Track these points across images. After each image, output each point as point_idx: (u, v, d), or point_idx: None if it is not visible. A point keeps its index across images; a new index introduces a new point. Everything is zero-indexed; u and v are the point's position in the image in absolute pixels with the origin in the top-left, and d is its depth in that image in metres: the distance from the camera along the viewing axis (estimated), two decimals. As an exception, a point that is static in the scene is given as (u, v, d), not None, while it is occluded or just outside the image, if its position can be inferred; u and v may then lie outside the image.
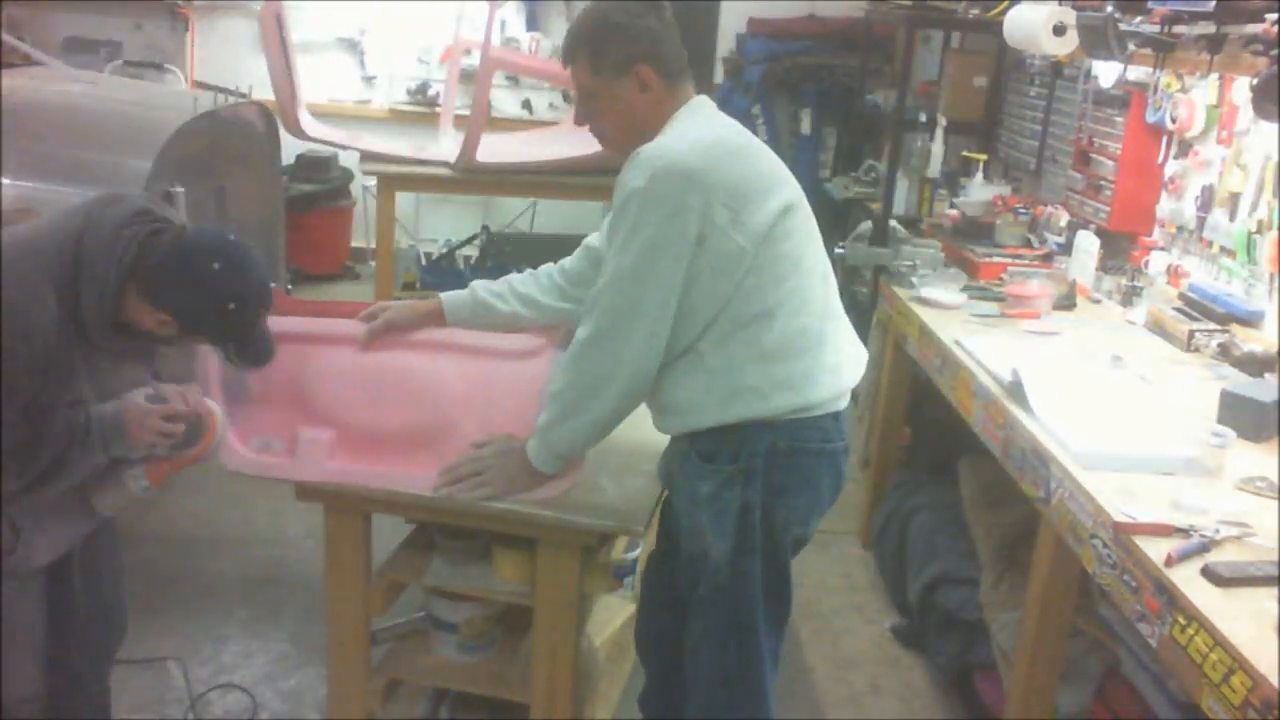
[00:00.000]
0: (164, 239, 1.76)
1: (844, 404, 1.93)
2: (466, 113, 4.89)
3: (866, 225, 3.69)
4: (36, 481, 1.75)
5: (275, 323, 1.96)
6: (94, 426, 1.76)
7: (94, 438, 1.76)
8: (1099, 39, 2.83)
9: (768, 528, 1.88)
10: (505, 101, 5.65)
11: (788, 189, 1.87)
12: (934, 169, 4.33)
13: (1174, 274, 3.07)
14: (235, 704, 2.64)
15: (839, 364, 1.91)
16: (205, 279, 1.75)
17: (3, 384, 1.65)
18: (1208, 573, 1.66)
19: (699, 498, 1.88)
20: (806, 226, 1.90)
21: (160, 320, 1.78)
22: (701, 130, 1.85)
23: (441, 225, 6.00)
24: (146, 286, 1.75)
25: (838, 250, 3.61)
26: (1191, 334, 2.76)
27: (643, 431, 2.24)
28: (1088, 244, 3.29)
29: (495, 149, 4.46)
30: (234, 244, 1.81)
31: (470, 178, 4.47)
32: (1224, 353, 2.68)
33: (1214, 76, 2.82)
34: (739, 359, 1.81)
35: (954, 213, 3.94)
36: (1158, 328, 2.90)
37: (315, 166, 5.69)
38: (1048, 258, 3.53)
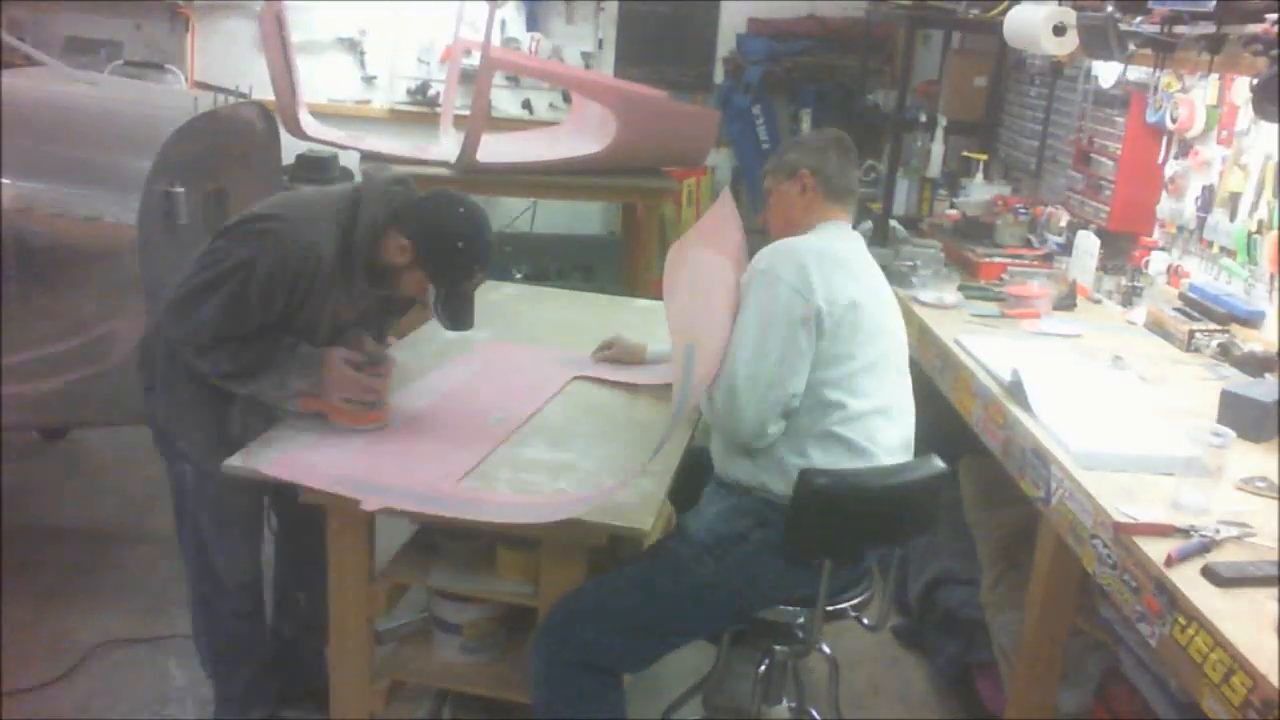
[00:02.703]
0: (421, 194, 2.24)
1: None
2: (466, 113, 4.89)
3: (867, 225, 3.70)
4: (240, 374, 2.12)
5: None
6: (297, 358, 2.13)
7: (293, 363, 2.12)
8: (1099, 39, 2.83)
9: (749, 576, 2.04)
10: (505, 101, 5.64)
11: (856, 286, 2.12)
12: (934, 169, 4.33)
13: (1174, 274, 3.08)
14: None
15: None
16: (446, 217, 2.18)
17: (281, 289, 2.09)
18: (1208, 573, 1.66)
19: (725, 512, 2.06)
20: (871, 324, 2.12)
21: (401, 247, 2.16)
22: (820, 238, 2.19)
23: (442, 225, 5.97)
24: (402, 218, 2.18)
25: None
26: (1191, 334, 2.76)
27: (648, 432, 2.25)
28: (1088, 244, 3.29)
29: (495, 149, 4.45)
30: (479, 208, 2.22)
31: (470, 178, 4.46)
32: (1224, 353, 2.68)
33: (1214, 76, 2.82)
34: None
35: (954, 213, 3.94)
36: (1158, 328, 2.91)
37: (315, 166, 5.67)
38: (1048, 258, 3.53)
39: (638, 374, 2.60)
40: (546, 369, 2.61)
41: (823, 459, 2.00)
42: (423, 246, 2.15)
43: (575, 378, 2.57)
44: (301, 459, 2.06)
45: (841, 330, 2.03)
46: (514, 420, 2.29)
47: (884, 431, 2.07)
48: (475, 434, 2.22)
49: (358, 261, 2.17)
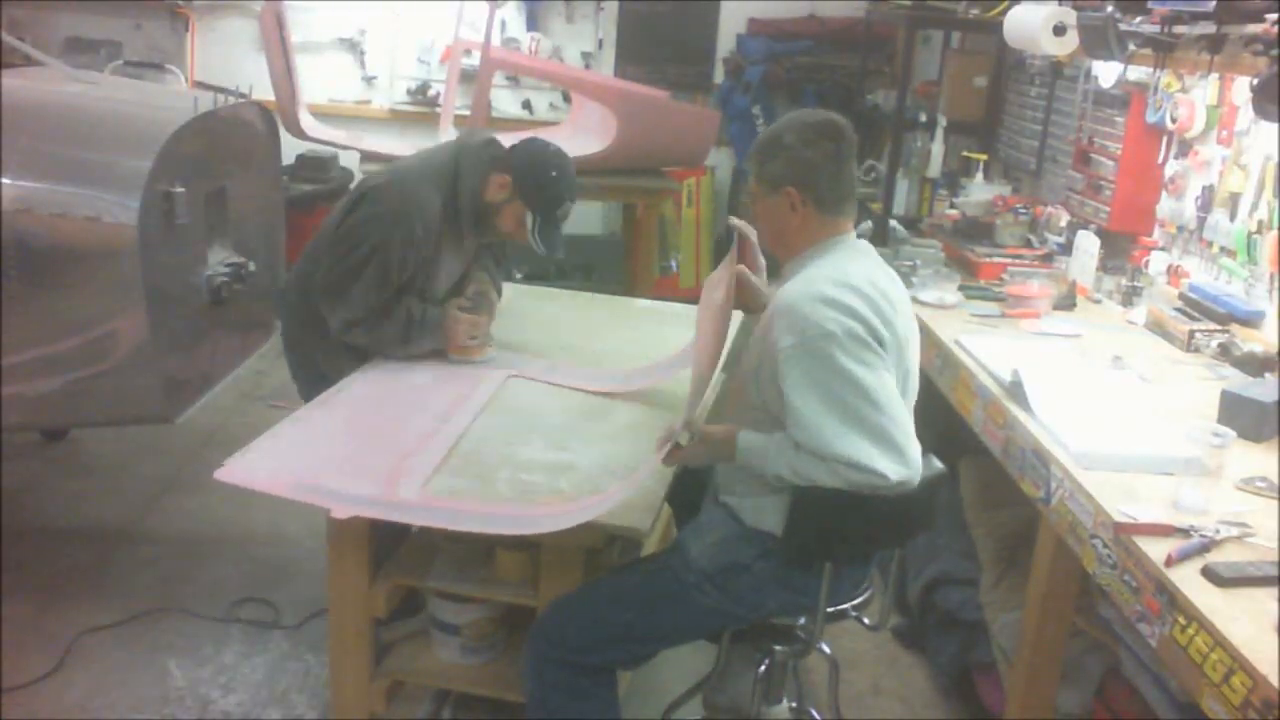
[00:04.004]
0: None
1: None
2: (466, 113, 4.89)
3: (867, 225, 3.70)
4: (380, 343, 2.55)
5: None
6: (425, 325, 2.54)
7: (423, 330, 2.54)
8: (1099, 39, 2.83)
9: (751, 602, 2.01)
10: (505, 101, 5.64)
11: (894, 327, 1.90)
12: (934, 169, 4.33)
13: (1174, 274, 3.08)
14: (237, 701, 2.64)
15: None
16: (539, 154, 2.56)
17: (411, 258, 2.49)
18: (1208, 573, 1.66)
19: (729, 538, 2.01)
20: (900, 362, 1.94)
21: (502, 183, 2.52)
22: (838, 272, 1.90)
23: (441, 225, 5.98)
24: (499, 160, 2.55)
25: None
26: (1191, 334, 2.76)
27: (648, 433, 2.25)
28: (1088, 244, 3.29)
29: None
30: (564, 150, 2.59)
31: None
32: (1224, 353, 2.68)
33: (1214, 76, 2.82)
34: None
35: (954, 213, 3.94)
36: (1158, 328, 2.90)
37: (315, 166, 5.67)
38: (1048, 258, 3.53)
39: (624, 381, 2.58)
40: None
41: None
42: (521, 179, 2.52)
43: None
44: (281, 468, 2.04)
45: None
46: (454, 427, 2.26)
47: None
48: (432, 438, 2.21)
49: (464, 209, 2.54)
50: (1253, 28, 2.41)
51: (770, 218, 2.02)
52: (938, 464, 2.05)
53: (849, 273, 1.90)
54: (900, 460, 1.80)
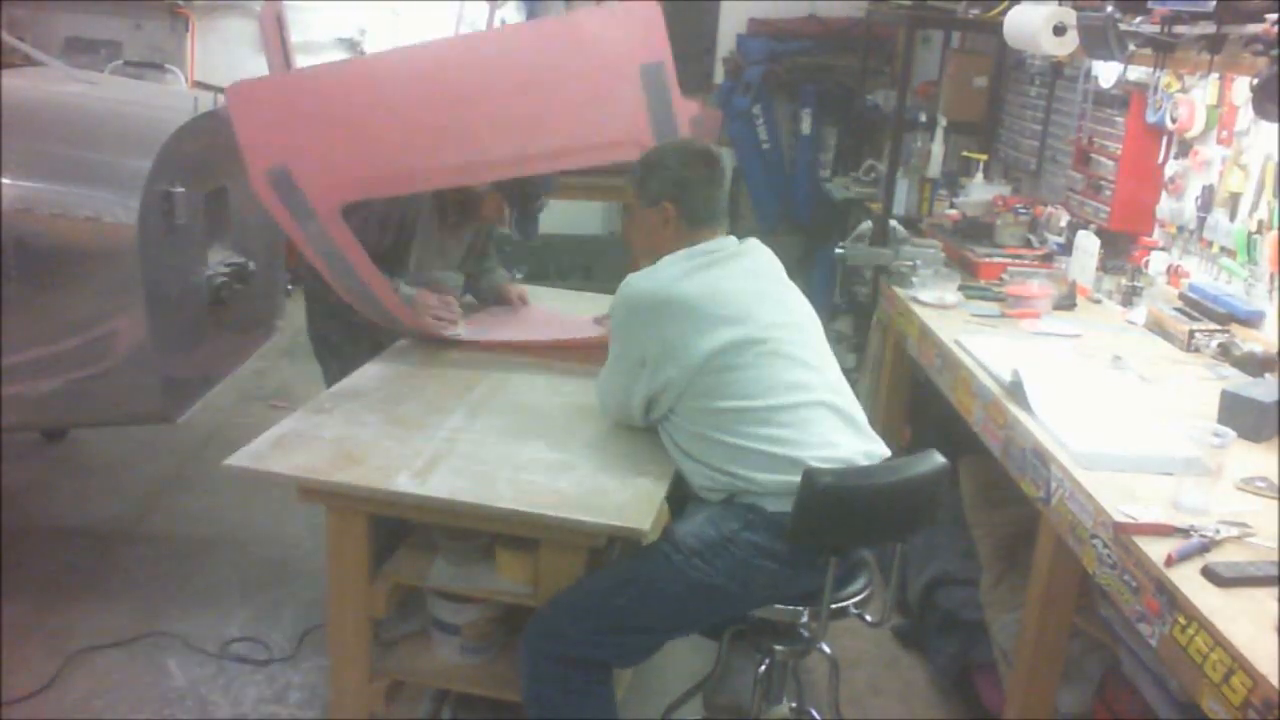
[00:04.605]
0: None
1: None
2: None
3: (866, 225, 3.69)
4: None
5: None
6: (404, 298, 2.70)
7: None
8: (1099, 39, 2.83)
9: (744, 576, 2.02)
10: (505, 101, 5.65)
11: (746, 326, 2.09)
12: (934, 169, 4.33)
13: (1174, 274, 3.08)
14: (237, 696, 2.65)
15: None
16: None
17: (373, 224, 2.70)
18: (1208, 573, 1.66)
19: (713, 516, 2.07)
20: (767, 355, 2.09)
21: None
22: (674, 270, 2.15)
23: (441, 225, 5.98)
24: None
25: (837, 250, 3.62)
26: (1191, 334, 2.76)
27: (647, 432, 2.25)
28: (1088, 244, 3.29)
29: (495, 149, 4.44)
30: None
31: (470, 178, 4.44)
32: (1224, 353, 2.68)
33: (1214, 76, 2.82)
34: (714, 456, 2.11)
35: (954, 213, 3.94)
36: (1158, 328, 2.90)
37: (315, 166, 5.67)
38: (1048, 258, 3.53)
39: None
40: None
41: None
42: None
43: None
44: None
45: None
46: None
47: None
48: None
49: (450, 197, 2.79)
50: (1253, 28, 2.41)
51: (643, 228, 2.27)
52: (939, 458, 2.06)
53: (652, 274, 2.16)
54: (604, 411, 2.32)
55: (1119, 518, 1.84)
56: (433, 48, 2.67)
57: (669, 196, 2.20)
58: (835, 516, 1.97)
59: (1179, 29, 2.69)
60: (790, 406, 2.07)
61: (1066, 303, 3.13)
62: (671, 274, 2.14)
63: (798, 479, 1.94)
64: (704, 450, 2.09)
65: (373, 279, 2.56)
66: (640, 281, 2.16)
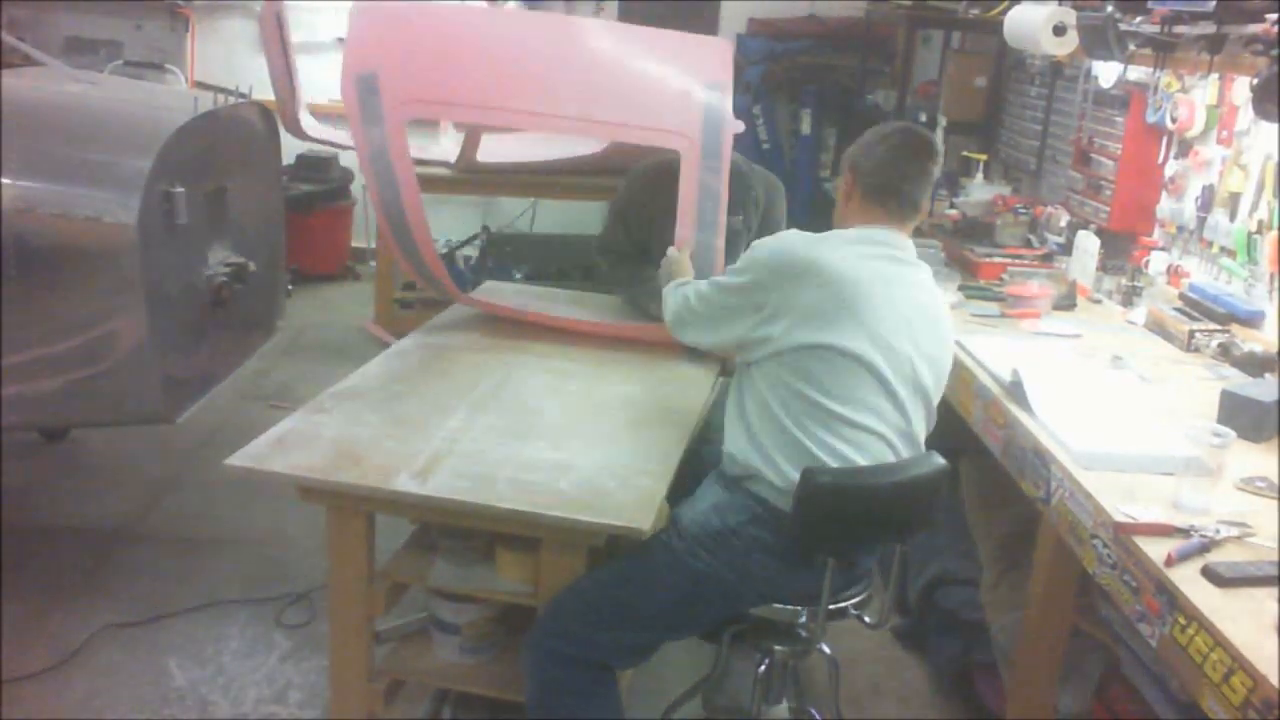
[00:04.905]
0: None
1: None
2: (466, 113, 4.88)
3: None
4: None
5: None
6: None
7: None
8: (1099, 39, 2.83)
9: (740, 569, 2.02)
10: (505, 101, 5.65)
11: (867, 335, 2.01)
12: (934, 169, 4.32)
13: (1174, 274, 3.08)
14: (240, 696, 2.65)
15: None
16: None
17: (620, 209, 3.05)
18: (1208, 573, 1.66)
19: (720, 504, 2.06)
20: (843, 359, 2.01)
21: None
22: (841, 250, 2.07)
23: (441, 225, 5.95)
24: None
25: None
26: (1191, 334, 2.76)
27: (648, 432, 2.25)
28: (1088, 244, 3.30)
29: (495, 149, 4.46)
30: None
31: (470, 178, 4.47)
32: (1224, 353, 2.68)
33: (1214, 76, 2.82)
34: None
35: (954, 213, 3.94)
36: (1158, 328, 2.91)
37: (315, 166, 5.68)
38: (1048, 258, 3.53)
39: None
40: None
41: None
42: None
43: None
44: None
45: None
46: None
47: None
48: None
49: None
50: (1253, 28, 2.41)
51: (838, 195, 2.26)
52: (939, 459, 2.06)
53: (815, 238, 2.10)
54: (673, 330, 2.32)
55: (1119, 518, 1.84)
56: (534, 16, 2.91)
57: (852, 167, 2.17)
58: (834, 516, 1.97)
59: (1179, 29, 2.69)
60: (860, 426, 2.00)
61: (1066, 303, 3.13)
62: (836, 251, 2.05)
63: None
64: (759, 419, 2.04)
65: (410, 196, 2.74)
66: (799, 241, 2.08)
